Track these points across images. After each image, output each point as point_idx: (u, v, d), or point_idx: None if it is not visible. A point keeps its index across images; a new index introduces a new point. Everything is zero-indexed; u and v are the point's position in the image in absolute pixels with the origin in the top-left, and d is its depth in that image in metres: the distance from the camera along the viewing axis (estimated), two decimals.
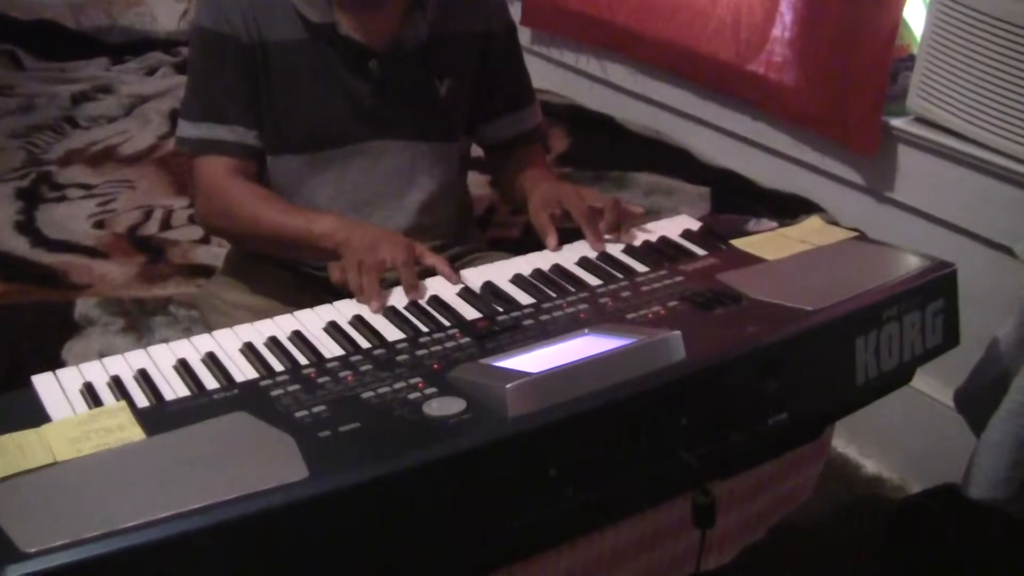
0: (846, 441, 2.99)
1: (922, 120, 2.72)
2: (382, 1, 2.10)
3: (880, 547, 2.63)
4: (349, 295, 1.83)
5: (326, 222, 2.00)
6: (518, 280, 1.87)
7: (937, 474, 2.60)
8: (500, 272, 1.91)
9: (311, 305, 1.80)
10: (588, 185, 2.97)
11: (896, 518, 2.64)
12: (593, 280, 1.87)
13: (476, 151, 2.43)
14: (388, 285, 1.84)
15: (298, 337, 1.66)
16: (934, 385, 2.66)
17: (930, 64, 2.64)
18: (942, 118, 2.64)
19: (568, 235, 2.05)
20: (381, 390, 1.45)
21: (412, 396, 1.43)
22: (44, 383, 1.53)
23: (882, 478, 2.94)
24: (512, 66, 2.37)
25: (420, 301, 1.80)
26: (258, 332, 1.69)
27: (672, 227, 2.09)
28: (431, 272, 1.91)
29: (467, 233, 2.38)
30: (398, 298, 1.81)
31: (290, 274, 2.16)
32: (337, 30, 2.08)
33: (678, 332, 1.52)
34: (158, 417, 1.42)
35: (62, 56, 4.45)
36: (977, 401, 2.23)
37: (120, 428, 1.38)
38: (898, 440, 2.90)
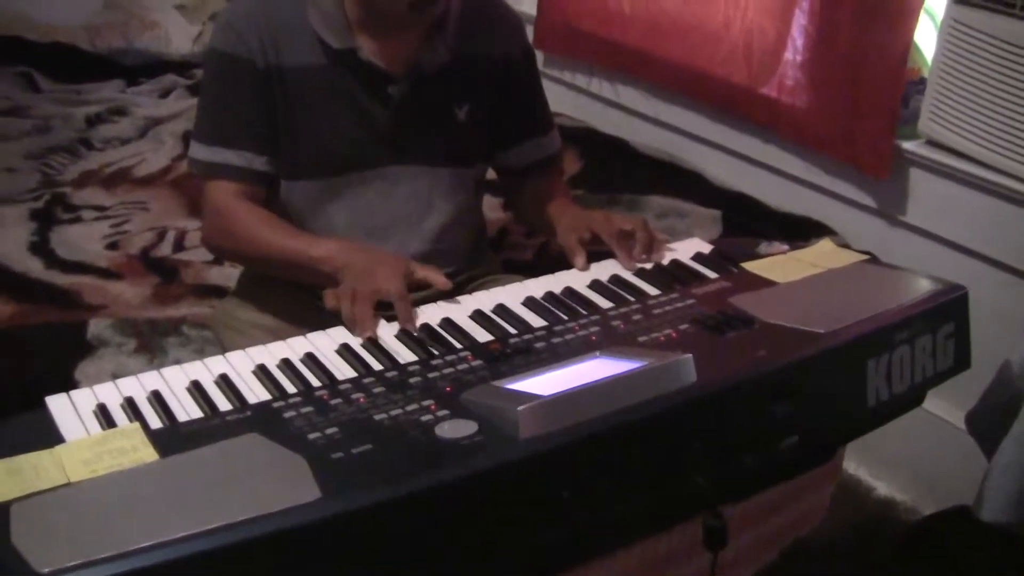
0: (857, 463, 2.98)
1: (934, 143, 2.73)
2: (404, 26, 2.11)
3: (892, 570, 2.62)
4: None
5: (325, 246, 2.01)
6: (530, 303, 1.88)
7: (949, 496, 2.59)
8: (512, 295, 1.91)
9: (324, 325, 1.80)
10: (600, 208, 2.97)
11: (908, 540, 2.63)
12: (605, 303, 1.87)
13: (489, 174, 2.43)
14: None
15: (311, 359, 1.67)
16: (945, 407, 2.66)
17: (941, 87, 2.65)
18: (954, 141, 2.65)
19: (594, 258, 2.06)
20: (393, 412, 1.46)
21: (424, 418, 1.43)
22: (58, 404, 1.54)
23: (894, 500, 2.93)
24: (531, 91, 2.38)
25: (432, 324, 1.80)
26: (271, 354, 1.69)
27: (684, 250, 2.10)
28: (437, 296, 1.92)
29: (482, 257, 2.38)
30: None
31: (303, 294, 2.16)
32: (358, 55, 2.08)
33: (690, 355, 1.52)
34: (171, 438, 1.42)
35: (77, 78, 4.46)
36: (989, 423, 2.23)
37: (134, 449, 1.39)
38: (910, 462, 2.89)
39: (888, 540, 2.75)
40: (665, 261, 2.04)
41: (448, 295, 1.92)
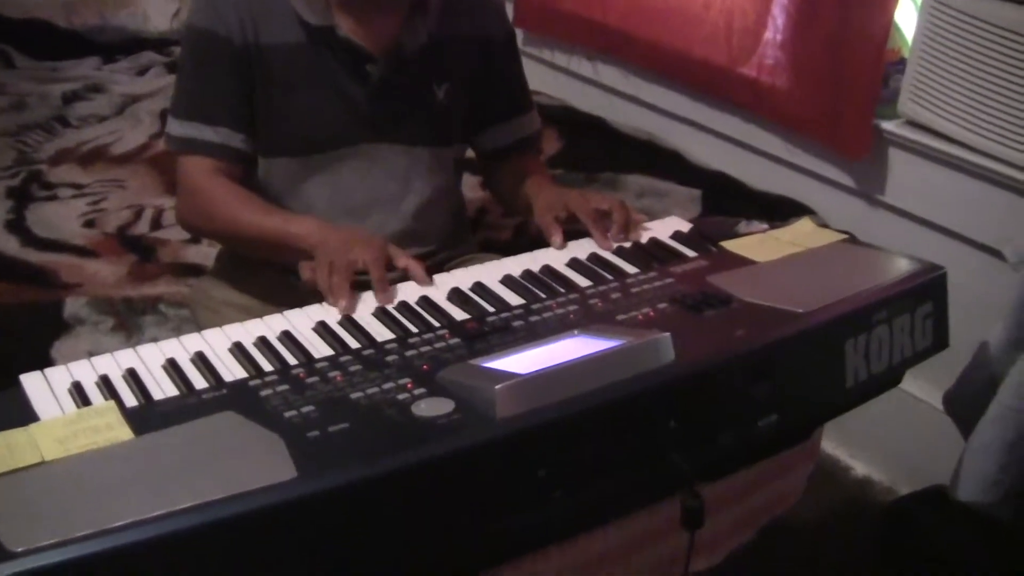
0: (836, 443, 2.99)
1: (913, 124, 2.73)
2: (384, 4, 2.10)
3: (869, 549, 2.64)
4: (320, 296, 1.83)
5: (303, 224, 2.00)
6: (508, 281, 1.87)
7: (926, 476, 2.60)
8: (490, 273, 1.90)
9: (301, 304, 1.80)
10: (579, 187, 2.97)
11: (885, 520, 2.65)
12: (583, 281, 1.87)
13: (468, 153, 2.42)
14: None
15: (287, 337, 1.66)
16: (923, 387, 2.67)
17: (921, 68, 2.64)
18: (933, 122, 2.65)
19: (572, 237, 2.06)
20: (370, 391, 1.45)
21: (401, 397, 1.43)
22: (32, 382, 1.53)
23: (871, 480, 2.95)
24: (511, 73, 2.37)
25: (409, 301, 1.79)
26: (247, 332, 1.68)
27: (662, 229, 2.09)
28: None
29: (460, 237, 2.37)
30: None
31: (280, 274, 2.15)
32: (336, 33, 2.07)
33: (668, 334, 1.52)
34: (146, 417, 1.41)
35: (53, 55, 4.43)
36: (966, 404, 2.24)
37: (108, 428, 1.38)
38: (888, 442, 2.90)
39: (866, 520, 2.75)
40: (643, 240, 2.04)
41: (430, 272, 1.91)
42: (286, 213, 2.08)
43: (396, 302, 1.79)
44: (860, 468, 2.97)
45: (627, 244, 2.02)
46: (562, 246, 2.03)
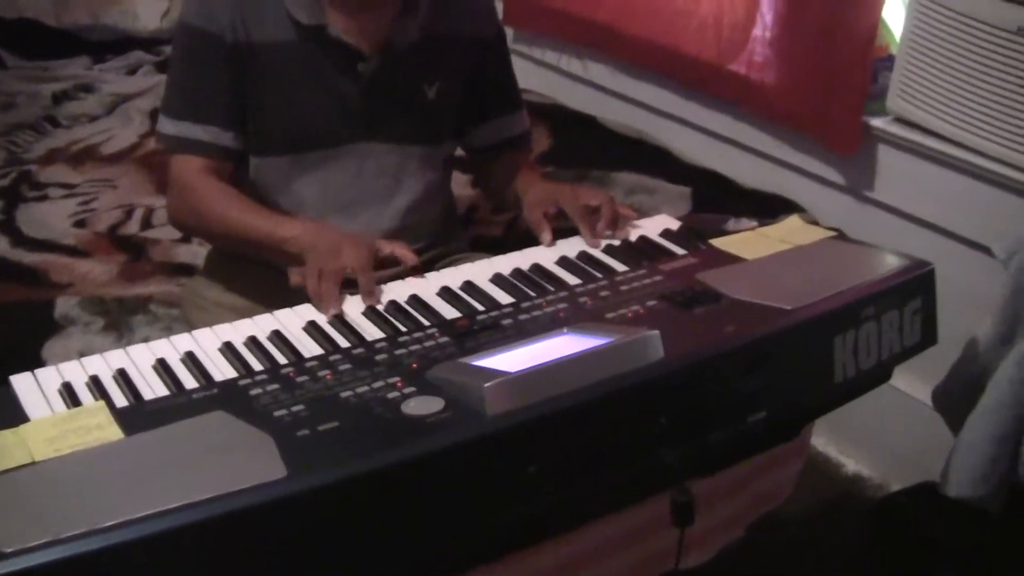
0: (826, 440, 3.00)
1: (901, 120, 2.74)
2: (375, 3, 2.10)
3: (860, 545, 2.64)
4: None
5: (291, 227, 2.00)
6: (497, 279, 1.88)
7: (916, 472, 2.61)
8: (480, 271, 1.91)
9: (292, 304, 1.80)
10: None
11: (876, 516, 2.65)
12: (572, 279, 1.87)
13: (457, 151, 2.42)
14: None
15: (277, 336, 1.67)
16: (912, 383, 2.67)
17: (909, 64, 2.65)
18: (921, 118, 2.65)
19: (562, 234, 2.06)
20: (360, 389, 1.46)
21: (391, 395, 1.43)
22: (22, 383, 1.54)
23: (862, 476, 2.95)
24: (501, 71, 2.38)
25: (399, 300, 1.80)
26: (237, 331, 1.69)
27: (652, 226, 2.10)
28: (405, 273, 1.92)
29: (451, 234, 2.38)
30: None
31: (271, 273, 2.15)
32: (327, 31, 2.07)
33: (657, 331, 1.53)
34: (137, 417, 1.42)
35: (43, 55, 4.42)
36: (955, 400, 2.24)
37: (99, 428, 1.38)
38: (877, 439, 2.91)
39: (856, 516, 2.76)
40: (632, 237, 2.05)
41: (417, 272, 1.92)
42: (276, 215, 2.08)
43: (386, 302, 1.79)
44: (851, 465, 2.98)
45: (616, 242, 2.03)
46: (551, 243, 2.04)
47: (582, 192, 2.15)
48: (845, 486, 2.93)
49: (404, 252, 1.92)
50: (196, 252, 2.67)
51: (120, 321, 2.39)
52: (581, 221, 2.05)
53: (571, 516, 1.54)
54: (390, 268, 1.96)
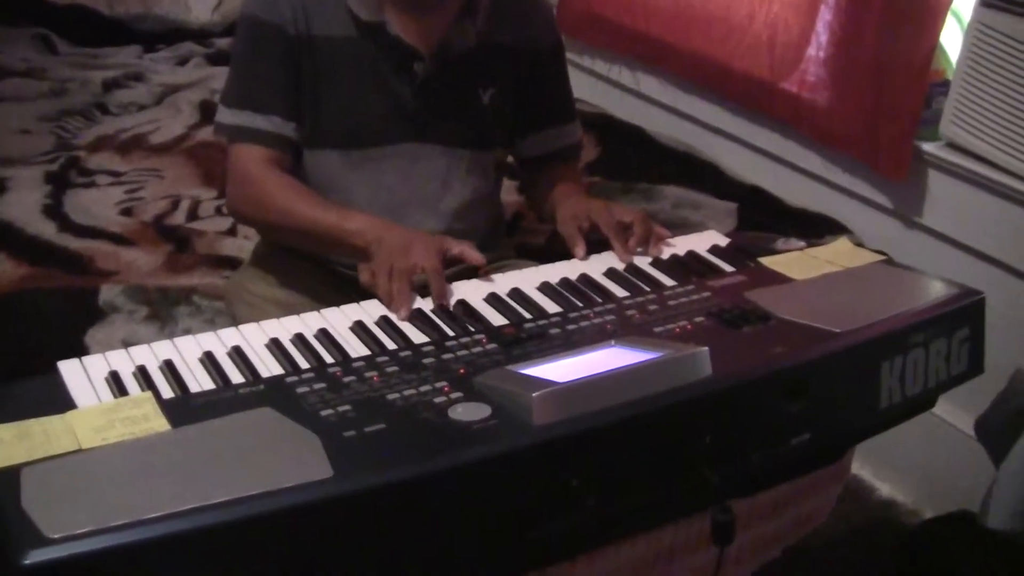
0: (861, 463, 2.98)
1: (954, 146, 2.72)
2: (434, 4, 2.11)
3: (891, 570, 2.62)
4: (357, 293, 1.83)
5: (359, 220, 2.00)
6: (545, 288, 1.87)
7: (950, 500, 2.59)
8: (528, 280, 1.91)
9: (338, 301, 1.81)
10: (616, 196, 2.98)
11: (908, 543, 2.63)
12: (620, 291, 1.87)
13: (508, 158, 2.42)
14: (419, 285, 1.85)
15: (324, 335, 1.67)
16: (952, 411, 2.65)
17: (964, 90, 2.63)
18: (974, 145, 2.64)
19: (595, 248, 2.05)
20: (407, 392, 1.46)
21: (438, 400, 1.43)
22: (70, 369, 1.54)
23: (896, 502, 2.93)
24: (556, 82, 2.38)
25: (447, 305, 1.80)
26: (284, 328, 1.69)
27: (700, 242, 2.09)
28: (461, 275, 1.92)
29: (497, 240, 2.38)
30: (426, 301, 1.82)
31: (318, 269, 2.16)
32: (386, 29, 2.08)
33: (705, 348, 1.52)
34: (183, 409, 1.42)
35: (95, 42, 4.45)
36: (998, 431, 2.23)
37: (145, 418, 1.39)
38: (914, 464, 2.89)
39: (888, 541, 2.74)
40: (681, 252, 2.04)
41: (468, 275, 1.93)
42: (341, 208, 2.07)
43: (433, 306, 1.80)
44: (885, 489, 2.96)
45: (665, 256, 2.02)
46: (584, 257, 2.04)
47: (617, 209, 2.14)
48: (878, 510, 2.91)
49: (471, 253, 1.91)
50: (241, 245, 2.68)
51: (163, 311, 2.39)
52: (615, 237, 2.04)
53: (611, 530, 1.53)
54: (453, 267, 1.97)
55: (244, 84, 2.15)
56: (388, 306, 1.79)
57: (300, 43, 2.08)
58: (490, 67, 2.20)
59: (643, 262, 1.99)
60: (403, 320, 1.75)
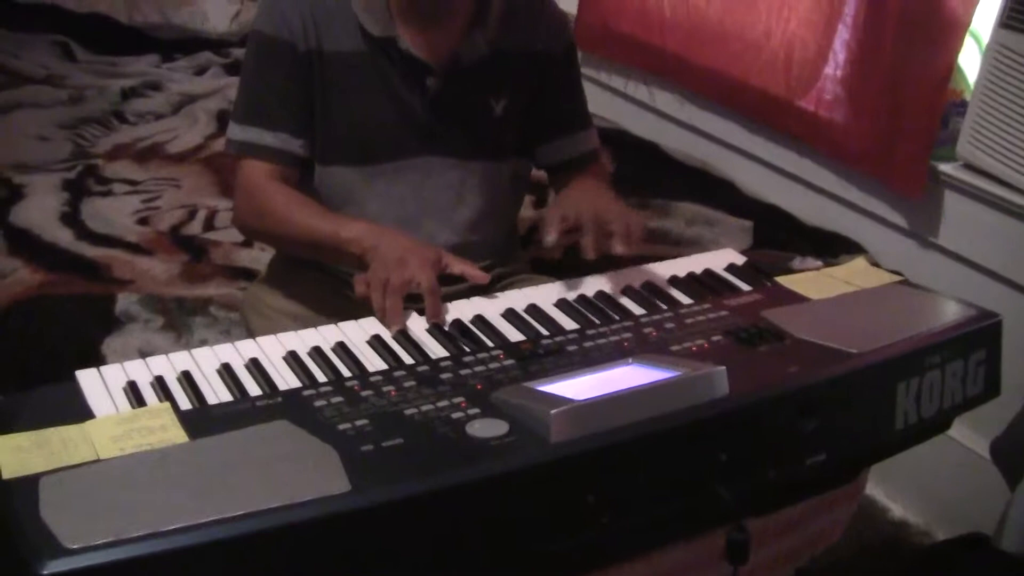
0: (875, 483, 2.97)
1: (971, 167, 2.72)
2: (444, 16, 2.11)
3: None
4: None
5: (355, 228, 2.00)
6: (562, 304, 1.88)
7: (963, 522, 2.58)
8: (545, 295, 1.91)
9: (354, 314, 1.81)
10: None
11: (920, 564, 2.62)
12: (637, 309, 1.87)
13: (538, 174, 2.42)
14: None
15: (342, 348, 1.67)
16: (966, 433, 2.65)
17: (982, 111, 2.63)
18: (991, 166, 2.64)
19: (623, 264, 2.03)
20: (424, 407, 1.46)
21: (455, 415, 1.43)
22: (88, 379, 1.54)
23: (908, 523, 2.92)
24: (569, 89, 2.37)
25: (464, 320, 1.80)
26: (302, 341, 1.69)
27: (716, 260, 2.09)
28: (468, 292, 1.93)
29: (512, 254, 2.38)
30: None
31: (334, 282, 2.16)
32: (397, 44, 2.09)
33: (723, 368, 1.52)
34: (201, 420, 1.43)
35: (113, 50, 4.48)
36: (1014, 453, 2.22)
37: (163, 429, 1.39)
38: (926, 486, 2.88)
39: (901, 562, 2.74)
40: (698, 270, 2.03)
41: (479, 290, 1.92)
42: (339, 217, 2.08)
43: (451, 320, 1.80)
44: (897, 510, 2.95)
45: (682, 274, 2.02)
46: (551, 244, 1.97)
47: (611, 214, 2.01)
48: (890, 530, 2.90)
49: (473, 272, 1.91)
50: (257, 257, 2.69)
51: (179, 321, 2.40)
52: (585, 235, 1.94)
53: (625, 547, 1.53)
54: (455, 285, 1.96)
55: (253, 100, 2.15)
56: (381, 321, 1.79)
57: (310, 59, 2.09)
58: (502, 76, 2.20)
59: (660, 280, 1.99)
60: (394, 333, 1.74)
